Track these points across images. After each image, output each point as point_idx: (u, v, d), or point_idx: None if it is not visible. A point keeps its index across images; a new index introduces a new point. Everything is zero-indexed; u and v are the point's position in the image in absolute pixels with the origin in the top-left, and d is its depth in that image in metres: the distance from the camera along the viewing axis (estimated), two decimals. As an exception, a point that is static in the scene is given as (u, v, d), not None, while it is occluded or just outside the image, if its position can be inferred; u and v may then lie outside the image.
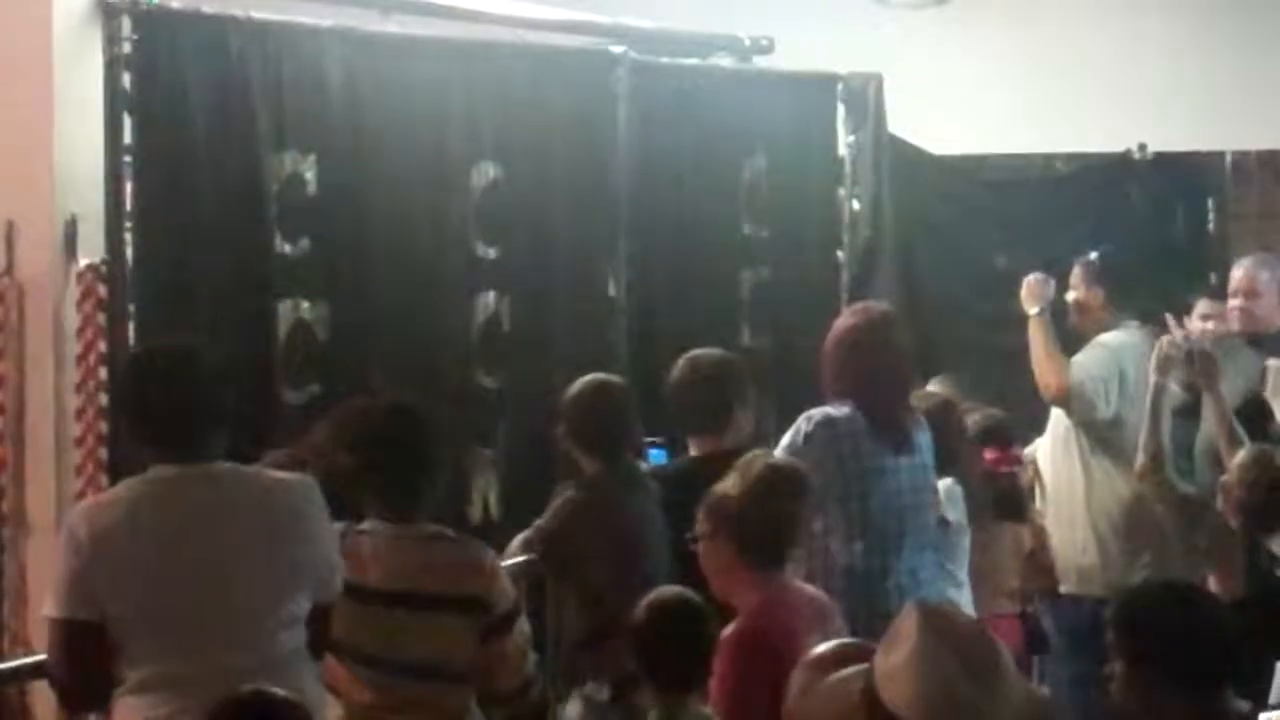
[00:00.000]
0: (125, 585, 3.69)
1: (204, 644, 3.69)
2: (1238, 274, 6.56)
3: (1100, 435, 6.35)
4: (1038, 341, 6.43)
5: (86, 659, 3.73)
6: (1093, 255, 6.57)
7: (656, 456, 5.71)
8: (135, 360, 4.44)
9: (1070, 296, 6.57)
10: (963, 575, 5.48)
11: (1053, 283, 6.56)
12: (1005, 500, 6.04)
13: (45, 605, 3.78)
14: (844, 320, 5.32)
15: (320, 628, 3.89)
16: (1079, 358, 6.41)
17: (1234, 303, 6.52)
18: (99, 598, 3.69)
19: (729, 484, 4.29)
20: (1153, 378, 5.71)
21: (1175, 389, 5.89)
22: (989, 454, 6.11)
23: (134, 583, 3.69)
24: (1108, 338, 6.44)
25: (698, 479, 4.62)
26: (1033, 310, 6.50)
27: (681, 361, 5.34)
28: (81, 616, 3.70)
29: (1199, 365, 5.73)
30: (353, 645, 4.05)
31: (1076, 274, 6.56)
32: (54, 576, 3.78)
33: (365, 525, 4.15)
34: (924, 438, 5.22)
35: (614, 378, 5.31)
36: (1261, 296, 6.47)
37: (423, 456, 4.20)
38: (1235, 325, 6.48)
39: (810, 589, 4.40)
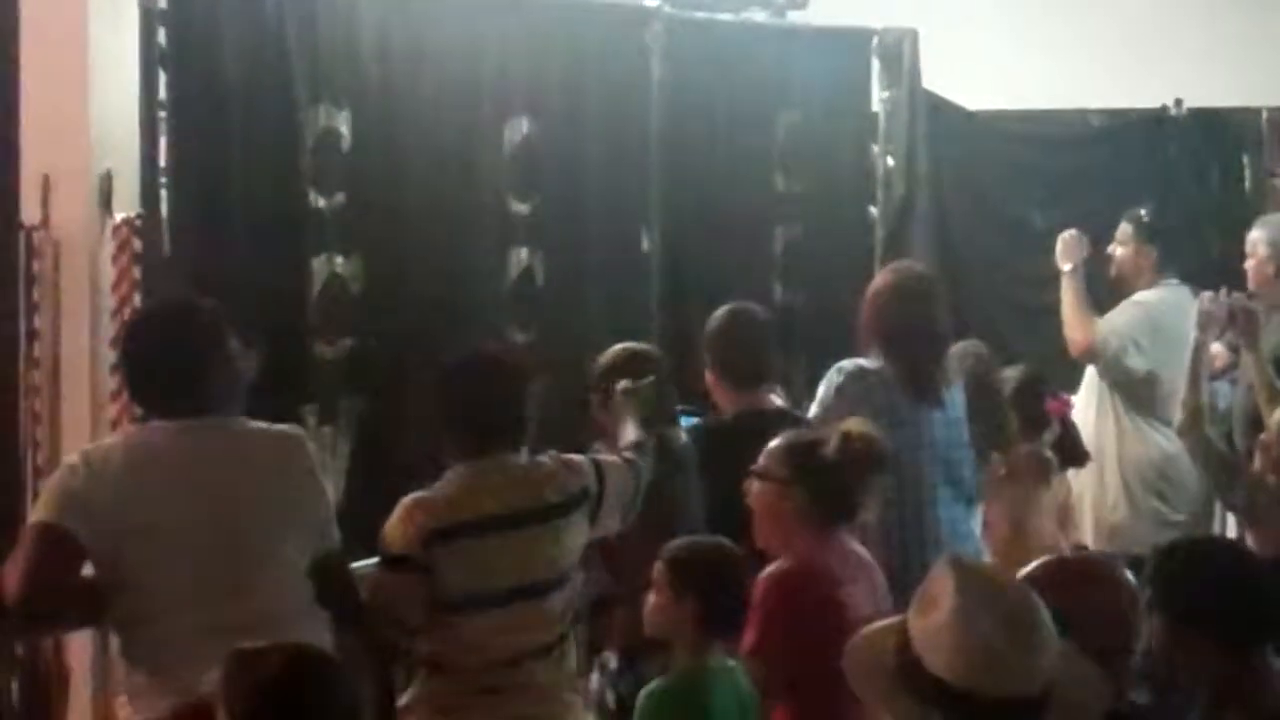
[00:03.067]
0: (127, 513, 3.66)
1: (213, 595, 3.66)
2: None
3: (1134, 392, 6.35)
4: (1068, 298, 6.44)
5: (51, 568, 3.61)
6: (1142, 212, 6.55)
7: (685, 422, 5.68)
8: (134, 320, 4.49)
9: (1117, 252, 6.55)
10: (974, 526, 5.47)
11: (1086, 240, 6.54)
12: (1067, 447, 6.02)
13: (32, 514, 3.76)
14: (883, 277, 5.35)
15: (332, 579, 3.88)
16: (1110, 315, 6.40)
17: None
18: (94, 515, 3.64)
19: (826, 439, 4.32)
20: (1193, 335, 5.64)
21: (1217, 347, 5.86)
22: (1053, 404, 6.10)
23: (136, 514, 3.66)
24: (1143, 295, 6.43)
25: (742, 435, 4.60)
26: (1066, 267, 6.49)
27: (723, 313, 5.30)
28: (67, 524, 3.62)
29: (1240, 323, 5.70)
30: (485, 586, 4.03)
31: (1126, 230, 6.53)
32: (44, 492, 3.77)
33: (461, 467, 4.16)
34: (957, 394, 5.22)
35: (649, 347, 5.25)
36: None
37: (518, 394, 4.27)
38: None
39: (857, 546, 4.40)
